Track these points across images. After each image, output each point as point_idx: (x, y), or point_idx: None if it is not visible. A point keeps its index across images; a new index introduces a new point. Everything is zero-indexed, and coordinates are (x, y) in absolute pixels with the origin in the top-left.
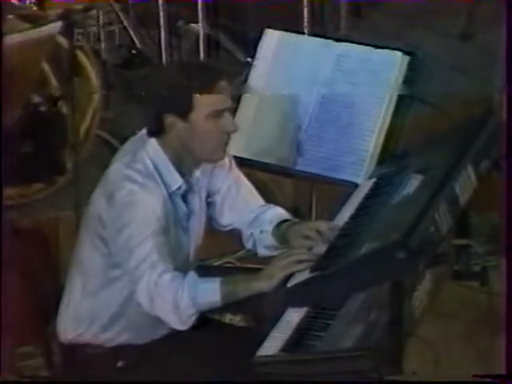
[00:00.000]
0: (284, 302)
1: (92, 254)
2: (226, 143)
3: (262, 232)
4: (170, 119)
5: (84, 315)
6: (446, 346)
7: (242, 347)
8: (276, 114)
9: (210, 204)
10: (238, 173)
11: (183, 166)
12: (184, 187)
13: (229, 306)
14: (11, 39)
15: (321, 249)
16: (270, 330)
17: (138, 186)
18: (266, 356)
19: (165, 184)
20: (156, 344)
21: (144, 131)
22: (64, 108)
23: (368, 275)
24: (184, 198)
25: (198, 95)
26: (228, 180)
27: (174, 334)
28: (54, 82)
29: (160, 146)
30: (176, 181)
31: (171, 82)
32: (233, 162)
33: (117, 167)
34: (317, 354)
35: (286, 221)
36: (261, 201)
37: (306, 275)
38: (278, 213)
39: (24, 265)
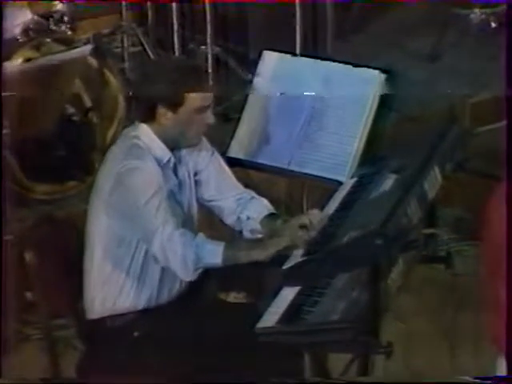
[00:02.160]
0: (280, 282)
1: (100, 225)
2: (204, 132)
3: (248, 218)
4: (162, 110)
5: (100, 284)
6: (415, 318)
7: (245, 320)
8: (274, 123)
9: (196, 182)
10: (220, 159)
11: (170, 144)
12: (173, 160)
13: (234, 284)
14: (49, 60)
15: (310, 236)
16: (269, 305)
17: (134, 158)
18: (265, 327)
19: (156, 159)
20: (168, 316)
21: (133, 125)
22: (94, 118)
23: (351, 259)
24: (174, 171)
25: (189, 93)
26: (212, 163)
27: (185, 308)
28: (85, 95)
29: (149, 129)
30: (165, 154)
31: (168, 79)
32: (215, 151)
33: (113, 149)
34: (308, 326)
35: (273, 214)
36: (242, 187)
37: (299, 258)
38: (264, 204)
39: (58, 249)
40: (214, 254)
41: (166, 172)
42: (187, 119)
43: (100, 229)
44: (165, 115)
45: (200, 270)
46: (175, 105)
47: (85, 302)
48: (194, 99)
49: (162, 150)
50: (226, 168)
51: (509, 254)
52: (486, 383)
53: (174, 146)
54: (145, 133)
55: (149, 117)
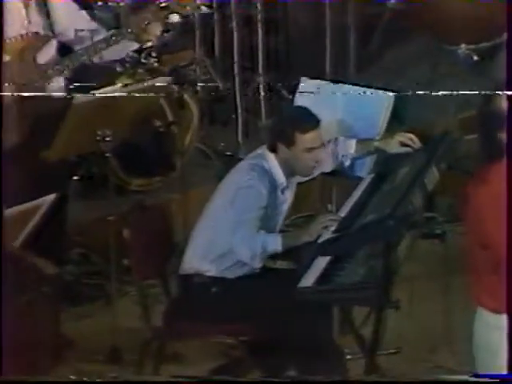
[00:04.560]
0: (316, 252)
1: (217, 211)
2: (314, 167)
3: (344, 156)
4: (279, 145)
5: (200, 253)
6: (418, 282)
7: (289, 281)
8: None
9: None
10: None
11: (286, 171)
12: (285, 184)
13: (281, 254)
14: (140, 86)
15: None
16: (307, 270)
17: (256, 173)
18: (304, 287)
19: (274, 180)
20: (237, 278)
21: (263, 148)
22: (175, 129)
23: (370, 235)
24: (283, 191)
25: (299, 135)
26: None
27: (247, 274)
28: (168, 112)
29: (273, 156)
30: (281, 179)
31: (284, 122)
32: None
33: (245, 162)
34: (336, 286)
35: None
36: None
37: (330, 235)
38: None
39: (148, 227)
40: (275, 243)
41: (277, 191)
42: (298, 157)
43: (213, 213)
44: (282, 149)
45: (265, 257)
46: (288, 143)
47: (184, 260)
48: (304, 140)
49: (279, 176)
50: None
51: (509, 249)
52: (486, 381)
53: (288, 174)
54: (270, 157)
55: (272, 149)
